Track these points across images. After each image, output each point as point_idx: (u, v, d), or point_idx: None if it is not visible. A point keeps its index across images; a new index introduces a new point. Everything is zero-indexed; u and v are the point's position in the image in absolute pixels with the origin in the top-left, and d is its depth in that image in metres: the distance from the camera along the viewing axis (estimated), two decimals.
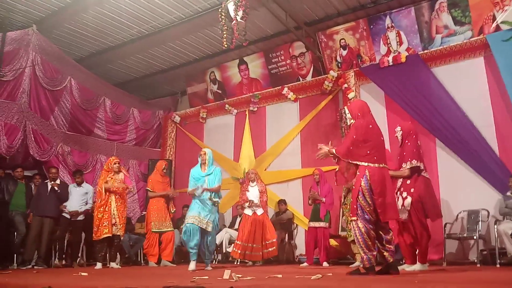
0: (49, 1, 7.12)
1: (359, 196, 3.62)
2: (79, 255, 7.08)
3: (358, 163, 3.68)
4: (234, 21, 5.58)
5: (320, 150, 3.96)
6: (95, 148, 9.03)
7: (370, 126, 3.75)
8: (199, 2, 7.13)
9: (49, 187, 6.81)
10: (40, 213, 6.63)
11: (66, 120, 8.47)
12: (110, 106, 9.44)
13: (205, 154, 5.64)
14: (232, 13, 5.58)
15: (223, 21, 5.69)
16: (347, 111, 4.02)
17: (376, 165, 3.62)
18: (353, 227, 3.67)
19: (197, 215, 5.24)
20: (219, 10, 5.74)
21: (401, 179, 4.56)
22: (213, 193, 5.38)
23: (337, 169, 6.40)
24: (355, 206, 3.65)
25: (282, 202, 7.80)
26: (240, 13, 5.53)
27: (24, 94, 7.69)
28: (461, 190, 6.40)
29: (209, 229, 5.28)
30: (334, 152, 3.81)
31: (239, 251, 6.61)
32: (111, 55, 8.88)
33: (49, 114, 8.16)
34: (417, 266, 4.37)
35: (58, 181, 6.99)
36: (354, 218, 3.65)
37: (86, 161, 8.80)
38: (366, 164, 3.64)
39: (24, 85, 7.69)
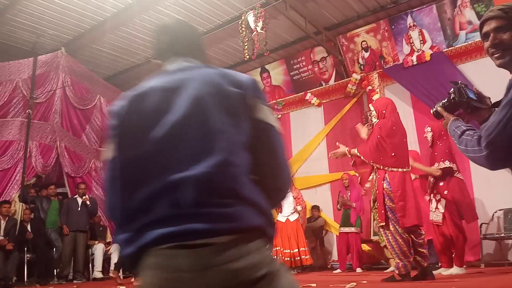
0: (76, 24, 7.40)
1: (386, 199, 3.58)
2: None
3: (380, 166, 3.64)
4: (255, 32, 5.66)
5: (336, 150, 3.93)
6: None
7: (394, 127, 3.71)
8: (219, 16, 7.25)
9: (79, 202, 7.03)
10: (73, 228, 6.85)
11: (97, 137, 8.75)
12: None
13: None
14: (252, 25, 5.66)
15: (244, 33, 5.77)
16: (372, 108, 3.99)
17: (400, 169, 3.57)
18: (385, 233, 3.62)
19: None
20: (240, 22, 5.84)
21: (432, 180, 4.48)
22: None
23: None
24: (383, 211, 3.60)
25: (315, 208, 7.76)
26: (260, 24, 5.61)
27: (56, 115, 8.00)
28: (495, 189, 6.21)
29: None
30: (356, 152, 3.77)
31: (281, 257, 6.64)
32: (137, 72, 9.12)
33: (81, 132, 8.45)
34: (454, 270, 4.29)
35: (87, 196, 7.25)
36: (383, 223, 3.60)
37: None
38: (388, 168, 3.60)
39: (56, 106, 8.01)
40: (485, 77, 6.56)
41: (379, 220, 3.71)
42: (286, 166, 1.12)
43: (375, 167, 3.66)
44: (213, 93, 1.05)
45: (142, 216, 0.94)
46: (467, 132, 1.44)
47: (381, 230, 3.67)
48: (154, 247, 0.90)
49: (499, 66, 1.46)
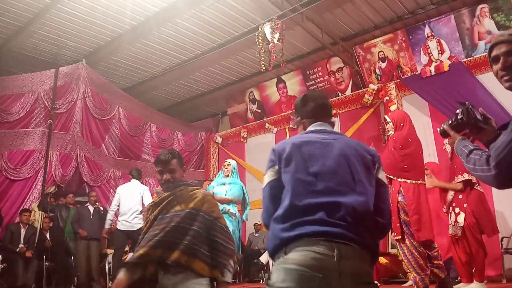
0: (96, 37, 7.58)
1: (401, 213, 3.53)
2: None
3: (393, 177, 3.60)
4: (271, 44, 5.70)
5: None
6: (143, 172, 9.37)
7: (410, 139, 3.67)
8: (236, 27, 7.34)
9: (91, 210, 7.00)
10: (87, 236, 6.75)
11: (116, 147, 8.89)
12: (156, 131, 9.81)
13: (229, 165, 5.38)
14: (269, 36, 5.71)
15: (260, 44, 5.82)
16: (388, 120, 3.96)
17: (413, 181, 3.52)
18: (401, 246, 3.57)
19: None
20: (256, 34, 5.88)
21: (452, 193, 4.40)
22: (231, 204, 5.19)
23: None
24: (398, 224, 3.56)
25: None
26: (277, 35, 5.65)
27: (76, 125, 8.17)
28: None
29: None
30: None
31: None
32: (155, 83, 9.28)
33: (100, 142, 8.61)
34: (475, 285, 4.18)
35: (98, 204, 7.30)
36: (399, 237, 3.55)
37: None
38: (402, 180, 3.55)
39: (76, 116, 8.18)
40: (503, 88, 6.45)
41: (395, 234, 3.66)
42: (390, 212, 1.68)
43: (392, 180, 3.63)
44: (354, 153, 1.59)
45: (306, 216, 1.42)
46: (474, 151, 1.47)
47: (397, 243, 3.61)
48: (310, 237, 1.37)
49: (508, 89, 1.48)
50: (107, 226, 6.50)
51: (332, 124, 1.74)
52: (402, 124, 3.74)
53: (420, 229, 3.43)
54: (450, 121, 1.73)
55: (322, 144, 1.58)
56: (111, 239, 6.98)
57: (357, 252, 1.37)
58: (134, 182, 6.53)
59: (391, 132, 3.79)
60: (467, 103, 1.71)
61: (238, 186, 5.29)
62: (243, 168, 9.95)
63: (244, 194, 5.52)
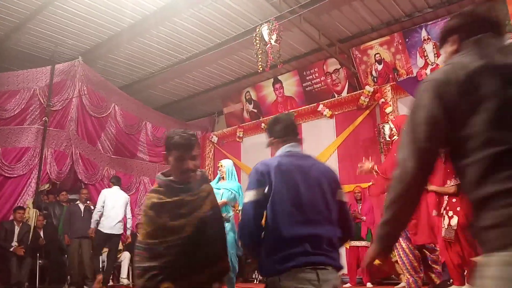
0: (94, 34, 7.55)
1: None
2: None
3: None
4: (269, 45, 5.72)
5: (362, 166, 3.96)
6: (138, 170, 9.38)
7: None
8: (234, 27, 7.34)
9: (82, 208, 6.96)
10: (78, 235, 6.70)
11: (111, 145, 8.87)
12: (151, 130, 9.80)
13: (222, 166, 5.03)
14: (266, 37, 5.73)
15: (258, 45, 5.83)
16: (386, 127, 4.01)
17: None
18: (396, 247, 3.62)
19: None
20: (254, 35, 5.90)
21: (446, 197, 4.44)
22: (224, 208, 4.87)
23: (371, 183, 6.33)
24: None
25: None
26: (274, 36, 5.67)
27: (72, 122, 8.14)
28: None
29: None
30: (376, 169, 3.82)
31: None
32: (152, 81, 9.26)
33: (96, 140, 8.58)
34: None
35: (89, 203, 7.28)
36: None
37: (130, 183, 9.14)
38: None
39: (72, 114, 8.15)
40: None
41: None
42: (353, 225, 2.05)
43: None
44: (326, 182, 1.86)
45: (293, 248, 1.71)
46: None
47: None
48: (300, 267, 1.67)
49: None
50: (92, 226, 6.51)
51: (300, 142, 2.02)
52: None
53: (416, 233, 3.48)
54: None
55: (301, 173, 1.84)
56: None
57: (333, 273, 1.74)
58: (117, 188, 6.76)
59: (395, 137, 3.84)
60: None
61: (229, 190, 4.93)
62: (238, 168, 9.95)
63: (238, 195, 5.09)
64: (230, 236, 4.65)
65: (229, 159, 10.03)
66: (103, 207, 6.44)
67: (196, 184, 1.98)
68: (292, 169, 1.83)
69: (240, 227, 1.84)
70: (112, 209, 6.42)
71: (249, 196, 1.80)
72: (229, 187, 4.87)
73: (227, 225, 4.59)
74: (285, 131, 1.99)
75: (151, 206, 1.92)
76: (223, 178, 5.03)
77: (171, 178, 1.97)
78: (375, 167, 3.82)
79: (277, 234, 1.73)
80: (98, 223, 6.45)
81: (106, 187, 8.28)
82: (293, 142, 1.97)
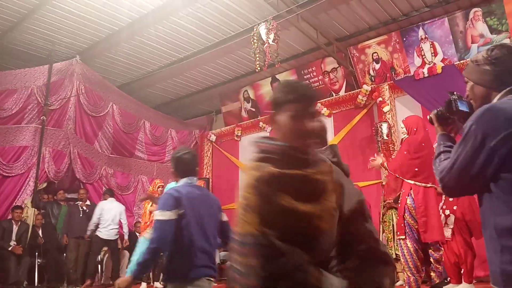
0: (91, 33, 7.54)
1: (406, 214, 3.61)
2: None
3: (404, 179, 3.69)
4: (266, 44, 5.73)
5: (374, 160, 4.01)
6: (136, 169, 9.38)
7: (423, 144, 3.76)
8: (231, 27, 7.34)
9: (81, 208, 7.21)
10: (76, 234, 6.95)
11: (109, 144, 8.87)
12: (150, 128, 9.80)
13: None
14: (264, 37, 5.74)
15: (255, 44, 5.84)
16: (383, 126, 4.05)
17: (423, 184, 3.61)
18: (401, 246, 3.67)
19: None
20: (252, 34, 5.90)
21: (444, 196, 4.48)
22: None
23: (383, 182, 6.37)
24: (402, 225, 3.66)
25: None
26: (272, 36, 5.68)
27: (70, 121, 8.14)
28: None
29: None
30: (386, 165, 3.87)
31: None
32: (150, 80, 9.25)
33: (93, 139, 8.58)
34: (463, 286, 4.26)
35: (88, 202, 7.35)
36: (403, 236, 3.64)
37: (128, 182, 9.14)
38: (412, 182, 3.64)
39: (69, 113, 8.15)
40: None
41: (398, 233, 3.75)
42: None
43: (403, 182, 3.73)
44: (215, 212, 2.48)
45: (200, 261, 2.26)
46: (441, 155, 1.52)
47: (399, 242, 3.71)
48: (201, 277, 2.24)
49: None
50: (88, 233, 6.99)
51: (197, 174, 2.55)
52: (415, 129, 3.84)
53: (426, 231, 3.52)
54: (436, 111, 1.72)
55: (201, 202, 2.37)
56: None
57: (212, 283, 2.31)
58: (112, 199, 7.32)
59: (405, 136, 3.89)
60: (455, 93, 1.69)
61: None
62: (236, 167, 9.98)
63: None
64: None
65: (227, 157, 10.10)
66: (99, 218, 6.96)
67: (317, 157, 1.39)
68: (195, 197, 2.36)
69: (156, 239, 2.19)
70: (110, 219, 7.01)
71: (165, 215, 2.20)
72: None
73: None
74: (188, 170, 2.47)
75: (267, 179, 1.26)
76: None
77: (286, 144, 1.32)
78: (385, 164, 3.87)
79: (192, 249, 2.23)
80: (93, 231, 6.93)
81: (104, 187, 8.33)
82: (193, 176, 2.49)
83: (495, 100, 1.44)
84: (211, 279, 2.28)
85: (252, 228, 1.20)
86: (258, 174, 1.28)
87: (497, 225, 1.27)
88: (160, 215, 2.21)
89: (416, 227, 3.54)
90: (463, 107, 1.65)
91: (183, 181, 2.42)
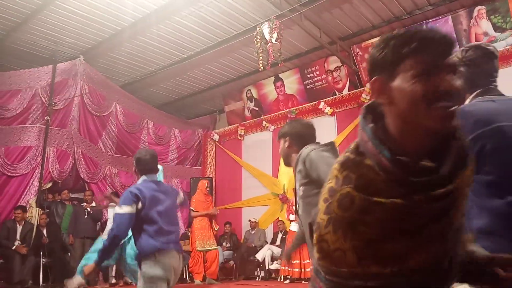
0: (94, 33, 7.56)
1: None
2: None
3: None
4: (269, 43, 5.72)
5: None
6: None
7: None
8: (234, 26, 7.34)
9: (86, 209, 7.26)
10: (81, 235, 7.00)
11: (113, 144, 8.89)
12: (153, 128, 9.82)
13: None
14: (267, 36, 5.73)
15: (258, 44, 5.84)
16: None
17: None
18: None
19: None
20: (255, 33, 5.90)
21: None
22: None
23: None
24: None
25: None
26: (275, 35, 5.67)
27: (73, 121, 8.17)
28: None
29: None
30: None
31: (289, 269, 6.64)
32: (153, 80, 9.27)
33: (97, 139, 8.60)
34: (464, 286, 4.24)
35: (93, 204, 7.38)
36: None
37: (132, 182, 9.14)
38: None
39: (73, 113, 8.18)
40: (501, 87, 6.51)
41: None
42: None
43: None
44: (174, 195, 2.90)
45: (166, 236, 2.63)
46: None
47: None
48: (171, 249, 2.62)
49: None
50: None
51: (157, 171, 2.86)
52: None
53: None
54: None
55: (160, 193, 2.69)
56: None
57: (177, 255, 2.68)
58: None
59: None
60: None
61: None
62: (239, 166, 9.99)
63: None
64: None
65: (231, 157, 10.10)
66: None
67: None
68: (155, 189, 2.68)
69: (116, 229, 2.50)
70: None
71: (123, 209, 2.51)
72: None
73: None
74: (146, 169, 2.75)
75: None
76: None
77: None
78: None
79: (153, 231, 2.57)
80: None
81: (109, 186, 8.35)
82: (152, 174, 2.78)
83: (466, 102, 1.43)
84: (179, 252, 2.68)
85: None
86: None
87: (471, 229, 1.26)
88: (118, 209, 2.54)
89: None
90: None
91: (142, 178, 2.73)
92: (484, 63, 1.44)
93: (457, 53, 1.51)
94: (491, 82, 1.45)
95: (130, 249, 4.98)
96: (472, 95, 1.42)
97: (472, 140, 1.25)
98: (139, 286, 2.55)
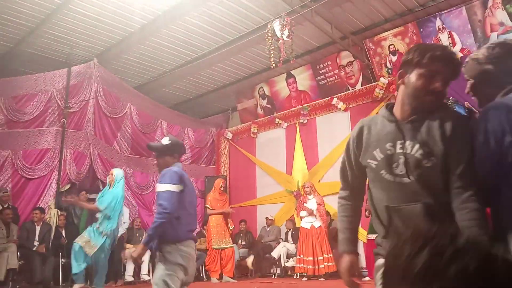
0: (107, 36, 7.65)
1: None
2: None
3: None
4: (281, 40, 5.70)
5: None
6: (155, 169, 9.46)
7: None
8: (245, 24, 7.34)
9: None
10: None
11: (128, 144, 8.99)
12: (167, 128, 9.89)
13: (111, 174, 5.46)
14: (278, 33, 5.71)
15: (270, 41, 5.82)
16: None
17: None
18: None
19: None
20: (266, 31, 5.88)
21: None
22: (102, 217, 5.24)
23: None
24: None
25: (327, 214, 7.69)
26: (286, 32, 5.65)
27: (89, 123, 8.28)
28: None
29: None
30: None
31: (304, 266, 6.63)
32: (166, 80, 9.33)
33: (113, 140, 8.71)
34: None
35: None
36: None
37: (147, 182, 9.25)
38: None
39: (89, 115, 8.28)
40: None
41: None
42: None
43: None
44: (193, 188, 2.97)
45: (187, 226, 2.71)
46: None
47: None
48: (189, 239, 2.68)
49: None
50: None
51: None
52: None
53: None
54: None
55: (189, 181, 2.80)
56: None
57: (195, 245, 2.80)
58: None
59: None
60: (450, 98, 1.76)
61: (110, 195, 5.23)
62: (253, 164, 10.00)
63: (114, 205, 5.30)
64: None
65: (244, 155, 10.11)
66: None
67: None
68: (187, 176, 2.78)
69: (169, 206, 2.51)
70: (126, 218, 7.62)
71: (173, 188, 2.56)
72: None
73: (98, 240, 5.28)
74: (182, 154, 2.90)
75: None
76: (110, 185, 5.39)
77: None
78: None
79: (182, 217, 2.61)
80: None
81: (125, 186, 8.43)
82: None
83: (498, 97, 1.42)
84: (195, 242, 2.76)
85: None
86: None
87: None
88: (168, 186, 2.55)
89: None
90: (460, 111, 1.69)
91: (177, 164, 2.75)
92: (511, 60, 1.44)
93: (482, 50, 1.51)
94: None
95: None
96: (505, 90, 1.41)
97: None
98: (159, 274, 2.47)
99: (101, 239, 5.13)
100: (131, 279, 7.31)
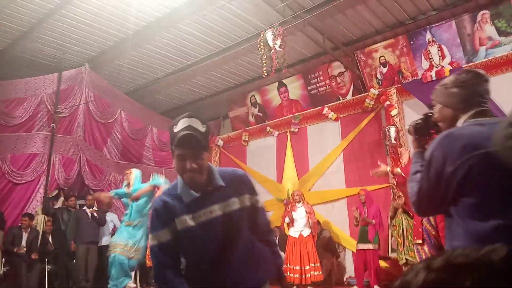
0: (99, 41, 7.63)
1: (424, 220, 3.59)
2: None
3: None
4: (273, 50, 5.75)
5: (376, 171, 3.98)
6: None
7: None
8: (238, 33, 7.38)
9: (89, 214, 7.06)
10: (85, 240, 6.84)
11: (118, 150, 8.94)
12: (157, 134, 9.85)
13: (130, 173, 5.25)
14: (270, 43, 5.76)
15: (262, 50, 5.87)
16: (391, 129, 4.03)
17: None
18: (419, 251, 3.66)
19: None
20: (258, 40, 5.93)
21: None
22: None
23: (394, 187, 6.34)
24: (420, 230, 3.64)
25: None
26: (278, 42, 5.70)
27: (79, 128, 8.22)
28: None
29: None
30: (400, 171, 3.84)
31: (291, 275, 6.61)
32: (158, 86, 9.32)
33: (102, 146, 8.65)
34: None
35: (95, 207, 7.36)
36: (420, 241, 3.63)
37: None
38: None
39: (79, 120, 8.24)
40: (506, 92, 6.48)
41: (415, 238, 3.73)
42: None
43: None
44: None
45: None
46: (417, 174, 1.57)
47: (416, 247, 3.69)
48: None
49: None
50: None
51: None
52: None
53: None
54: (415, 123, 1.78)
55: None
56: None
57: None
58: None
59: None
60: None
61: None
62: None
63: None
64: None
65: (235, 162, 10.11)
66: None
67: None
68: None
69: None
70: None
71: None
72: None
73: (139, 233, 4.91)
74: None
75: None
76: (128, 185, 5.19)
77: None
78: (397, 170, 3.83)
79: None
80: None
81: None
82: None
83: (460, 122, 1.52)
84: None
85: None
86: None
87: (453, 248, 1.29)
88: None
89: (433, 232, 3.51)
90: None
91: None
92: (476, 85, 1.53)
93: (450, 77, 1.61)
94: (482, 103, 1.52)
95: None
96: (468, 115, 1.51)
97: (461, 164, 1.35)
98: None
99: (140, 233, 4.81)
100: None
